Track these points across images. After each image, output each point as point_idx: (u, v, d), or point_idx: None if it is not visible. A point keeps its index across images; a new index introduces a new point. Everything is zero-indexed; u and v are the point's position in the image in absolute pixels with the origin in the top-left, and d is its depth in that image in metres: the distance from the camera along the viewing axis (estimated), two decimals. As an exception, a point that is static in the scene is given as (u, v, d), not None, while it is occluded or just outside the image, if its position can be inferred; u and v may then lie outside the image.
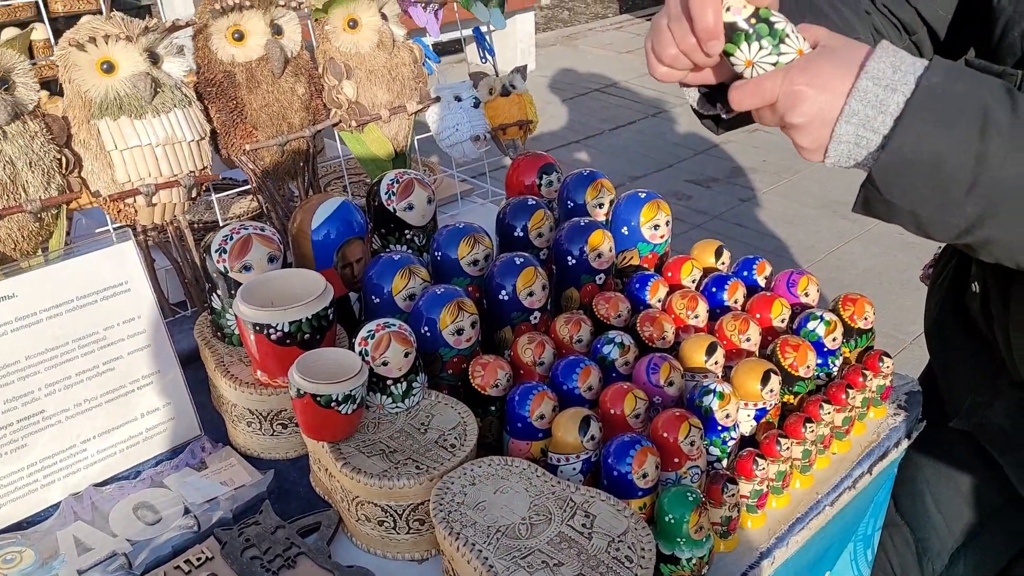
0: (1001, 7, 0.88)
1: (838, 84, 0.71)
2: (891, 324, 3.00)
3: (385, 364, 0.93)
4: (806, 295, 1.14)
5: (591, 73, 5.96)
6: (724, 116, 0.94)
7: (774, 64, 0.76)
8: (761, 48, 0.76)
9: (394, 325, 0.94)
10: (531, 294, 1.09)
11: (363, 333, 0.93)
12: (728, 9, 0.76)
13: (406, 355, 0.94)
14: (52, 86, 1.24)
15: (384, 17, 1.32)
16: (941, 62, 0.70)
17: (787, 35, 0.76)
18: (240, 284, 0.99)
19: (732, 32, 0.77)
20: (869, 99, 0.70)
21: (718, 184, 4.26)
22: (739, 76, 0.79)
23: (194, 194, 1.13)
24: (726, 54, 0.78)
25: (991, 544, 1.19)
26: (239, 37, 1.16)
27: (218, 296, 1.04)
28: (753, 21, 0.76)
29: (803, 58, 0.75)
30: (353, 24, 1.29)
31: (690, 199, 4.07)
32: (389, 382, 0.94)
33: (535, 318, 1.11)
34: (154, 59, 1.07)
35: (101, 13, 1.07)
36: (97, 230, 1.19)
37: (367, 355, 0.93)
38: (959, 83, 0.69)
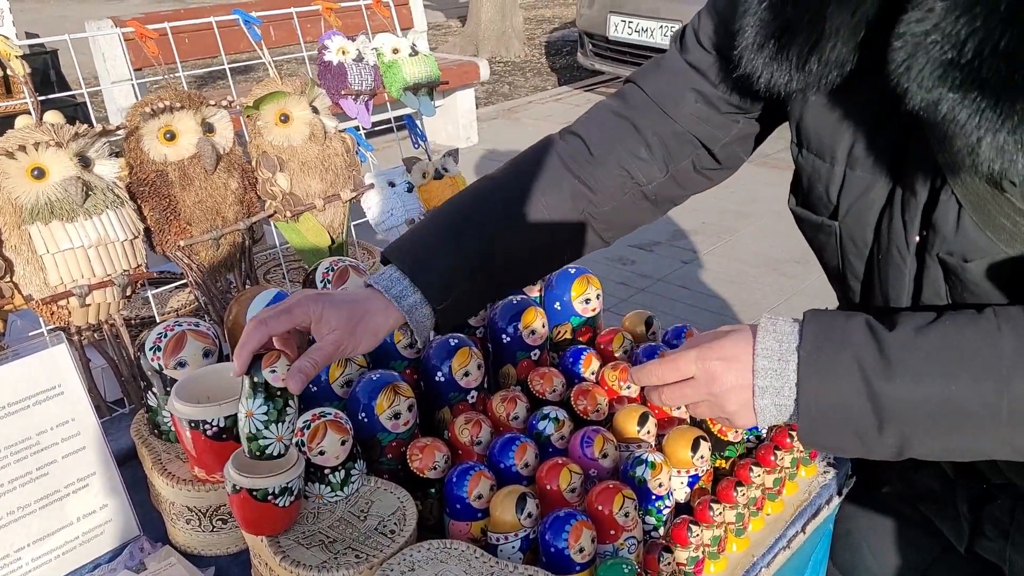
0: (803, 160, 0.91)
1: (742, 354, 0.79)
2: (834, 376, 3.07)
3: (322, 453, 0.94)
4: (733, 360, 1.18)
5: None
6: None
7: None
8: None
9: (329, 414, 0.96)
10: (467, 374, 1.11)
11: (299, 424, 0.94)
12: None
13: (343, 443, 0.95)
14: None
15: (315, 110, 1.36)
16: (810, 324, 0.78)
17: None
18: (175, 381, 1.00)
19: None
20: (770, 375, 0.77)
21: (660, 247, 4.36)
22: None
23: (128, 292, 1.14)
24: None
25: None
26: (171, 137, 1.19)
27: (154, 394, 1.04)
28: None
29: (705, 340, 0.82)
30: (285, 118, 1.33)
31: (634, 263, 4.16)
32: (327, 471, 0.95)
33: (472, 397, 1.13)
34: (85, 163, 1.09)
35: (31, 113, 1.09)
36: (31, 332, 1.19)
37: (303, 446, 0.93)
38: (827, 346, 0.75)
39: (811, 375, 0.75)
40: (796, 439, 0.83)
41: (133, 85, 1.23)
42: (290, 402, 0.85)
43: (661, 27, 6.08)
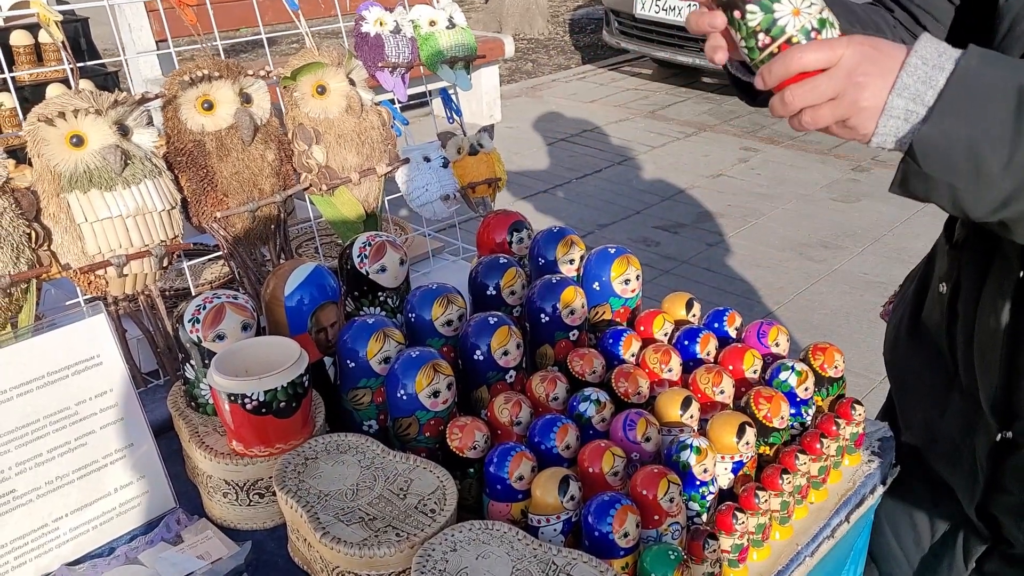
0: (1009, 5, 0.91)
1: (895, 51, 0.76)
2: (861, 364, 3.04)
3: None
4: (776, 345, 1.16)
5: (556, 123, 6.05)
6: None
7: (820, 12, 0.79)
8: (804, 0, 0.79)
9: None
10: (506, 353, 1.09)
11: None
12: None
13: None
14: (20, 154, 1.24)
15: (352, 82, 1.34)
16: (977, 49, 0.75)
17: None
18: (214, 353, 0.99)
19: None
20: (919, 75, 0.75)
21: (685, 229, 4.32)
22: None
23: (165, 263, 1.13)
24: (764, 9, 0.79)
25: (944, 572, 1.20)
26: (208, 107, 1.17)
27: (191, 366, 1.03)
28: None
29: (858, 38, 0.78)
30: (322, 90, 1.31)
31: (658, 245, 4.12)
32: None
33: (511, 377, 1.11)
34: (124, 131, 1.08)
35: (67, 82, 1.07)
36: (67, 302, 1.18)
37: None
38: (995, 67, 0.74)
39: (964, 80, 0.73)
40: (898, 175, 0.79)
41: (171, 54, 1.20)
42: None
43: (689, 5, 5.99)
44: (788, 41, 0.80)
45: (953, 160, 0.74)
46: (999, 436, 1.00)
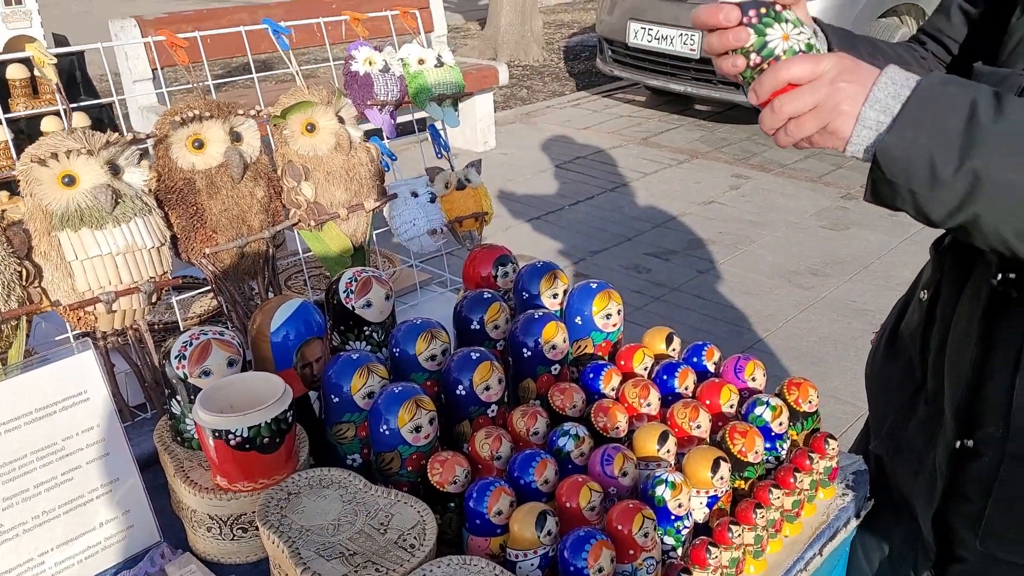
0: (1020, 23, 0.99)
1: (869, 69, 0.86)
2: (848, 392, 3.06)
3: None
4: (753, 380, 1.18)
5: (550, 149, 6.10)
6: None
7: (807, 39, 0.89)
8: (793, 26, 0.89)
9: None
10: (487, 388, 1.12)
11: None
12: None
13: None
14: (13, 185, 1.26)
15: (341, 120, 1.37)
16: (939, 74, 0.87)
17: (800, 21, 0.90)
18: (199, 389, 1.01)
19: (765, 14, 0.88)
20: (889, 91, 0.83)
21: (676, 256, 4.35)
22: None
23: (154, 299, 1.15)
24: (758, 32, 0.88)
25: None
26: (199, 145, 1.20)
27: (177, 401, 1.05)
28: (779, 8, 0.90)
29: (840, 54, 0.88)
30: (311, 128, 1.34)
31: (649, 272, 4.15)
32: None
33: (492, 411, 1.13)
34: (115, 170, 1.11)
35: (59, 115, 1.10)
36: (57, 337, 1.20)
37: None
38: (951, 85, 0.83)
39: (924, 95, 0.81)
40: (868, 184, 0.87)
41: (164, 93, 1.23)
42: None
43: (680, 35, 6.08)
44: (776, 59, 0.89)
45: (913, 166, 0.81)
46: (959, 443, 1.04)
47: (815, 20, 1.03)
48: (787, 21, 0.89)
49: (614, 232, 4.65)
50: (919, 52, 1.16)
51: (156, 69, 4.11)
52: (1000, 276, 0.96)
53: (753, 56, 0.89)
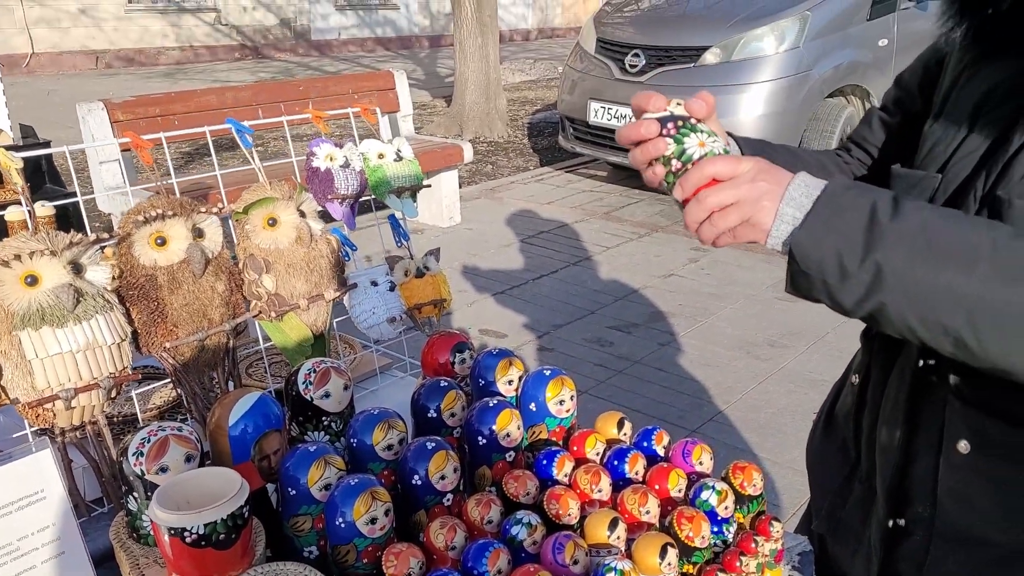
0: (931, 130, 1.08)
1: (784, 173, 0.94)
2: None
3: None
4: (700, 464, 1.22)
5: (514, 224, 6.21)
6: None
7: (723, 146, 0.98)
8: (708, 135, 0.97)
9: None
10: (443, 477, 1.14)
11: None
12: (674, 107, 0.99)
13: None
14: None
15: (302, 214, 1.42)
16: (844, 179, 0.98)
17: (714, 132, 0.99)
18: (156, 486, 1.02)
19: (682, 126, 0.97)
20: (802, 190, 0.91)
21: (638, 329, 4.42)
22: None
23: (113, 395, 1.17)
24: (677, 142, 0.96)
25: None
26: (161, 242, 1.24)
27: (134, 498, 1.06)
28: (693, 121, 0.99)
29: (755, 157, 0.97)
30: (272, 222, 1.38)
31: (612, 345, 4.21)
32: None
33: (448, 500, 1.16)
34: (77, 269, 1.13)
35: (21, 203, 1.13)
36: (15, 434, 1.21)
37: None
38: (856, 189, 0.91)
39: (830, 196, 0.90)
40: (787, 276, 0.94)
41: (132, 161, 1.27)
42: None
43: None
44: (695, 163, 0.97)
45: (824, 259, 0.89)
46: (891, 523, 1.08)
47: (729, 134, 1.13)
48: (702, 131, 0.98)
49: (577, 306, 4.72)
50: (843, 158, 1.26)
51: (125, 151, 4.16)
52: (921, 362, 1.03)
53: (674, 162, 0.97)
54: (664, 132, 0.97)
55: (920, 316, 0.86)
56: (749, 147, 1.15)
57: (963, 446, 0.99)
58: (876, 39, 6.40)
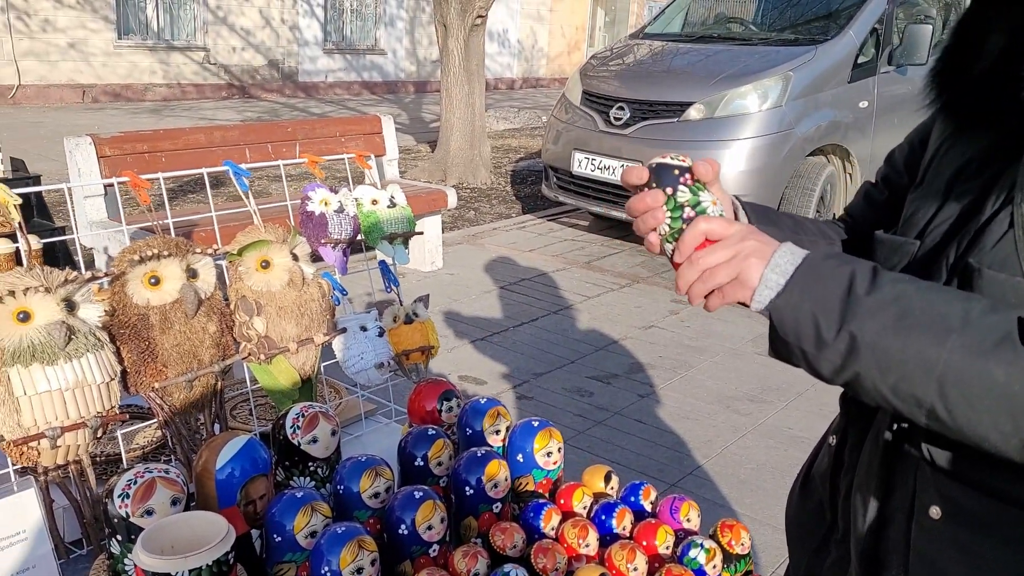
0: (912, 197, 1.11)
1: (770, 240, 0.97)
2: (786, 519, 3.10)
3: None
4: (688, 520, 1.22)
5: (496, 271, 6.23)
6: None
7: (720, 211, 1.02)
8: (710, 196, 1.02)
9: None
10: (430, 528, 1.13)
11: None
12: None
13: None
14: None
15: (295, 257, 1.42)
16: (826, 249, 1.01)
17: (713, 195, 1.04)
18: (140, 529, 1.00)
19: (693, 183, 1.02)
20: (786, 258, 0.94)
21: (618, 380, 4.43)
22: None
23: (99, 434, 1.16)
24: (692, 192, 1.01)
25: None
26: (155, 282, 1.24)
27: (117, 541, 1.04)
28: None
29: (746, 224, 1.01)
30: (266, 265, 1.38)
31: (592, 395, 4.21)
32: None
33: (434, 551, 1.15)
34: (70, 307, 1.13)
35: (14, 238, 1.12)
36: (-3, 472, 1.18)
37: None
38: (836, 259, 0.94)
39: (810, 265, 0.92)
40: (769, 341, 0.97)
41: (116, 194, 1.27)
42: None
43: (622, 165, 6.37)
44: (696, 215, 1.01)
45: (801, 327, 0.91)
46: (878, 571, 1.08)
47: (736, 197, 1.16)
48: (705, 190, 1.02)
49: (557, 355, 4.73)
50: (843, 227, 1.31)
51: (109, 186, 4.16)
52: (895, 427, 1.04)
53: (687, 210, 1.01)
54: (669, 191, 1.01)
55: (893, 387, 0.88)
56: (753, 211, 1.18)
57: (935, 512, 1.00)
58: (857, 101, 6.56)
